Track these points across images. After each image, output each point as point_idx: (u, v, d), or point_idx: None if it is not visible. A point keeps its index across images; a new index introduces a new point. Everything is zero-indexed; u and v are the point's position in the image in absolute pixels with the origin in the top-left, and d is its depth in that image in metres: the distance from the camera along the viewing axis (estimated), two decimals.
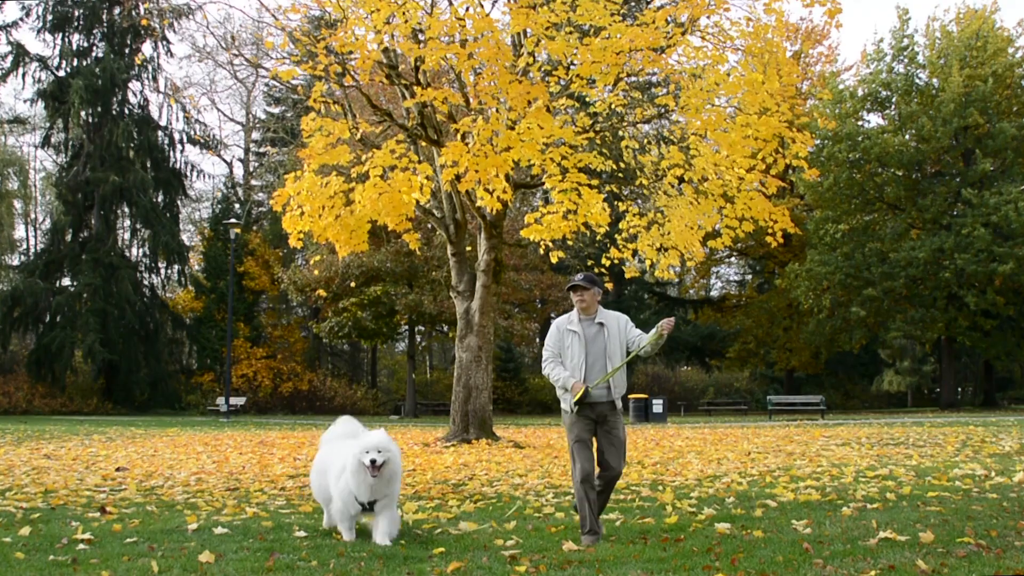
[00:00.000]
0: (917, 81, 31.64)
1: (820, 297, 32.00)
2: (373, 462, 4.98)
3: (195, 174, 40.70)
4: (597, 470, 5.40)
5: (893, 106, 32.22)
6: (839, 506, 6.24)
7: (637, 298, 41.03)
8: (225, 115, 46.78)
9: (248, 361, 38.13)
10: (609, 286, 17.17)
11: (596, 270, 16.67)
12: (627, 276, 17.30)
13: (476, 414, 14.70)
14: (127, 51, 37.08)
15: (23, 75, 36.46)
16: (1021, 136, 29.44)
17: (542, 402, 38.84)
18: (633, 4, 21.88)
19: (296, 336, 41.69)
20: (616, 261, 15.10)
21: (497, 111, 12.12)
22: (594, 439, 5.39)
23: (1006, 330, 31.01)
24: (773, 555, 4.56)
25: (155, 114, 39.23)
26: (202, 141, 39.80)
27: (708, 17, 13.46)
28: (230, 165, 46.21)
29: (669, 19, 12.71)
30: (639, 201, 18.48)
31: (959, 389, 37.71)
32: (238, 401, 33.85)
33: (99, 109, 36.15)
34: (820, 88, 31.39)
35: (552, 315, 40.97)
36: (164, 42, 38.38)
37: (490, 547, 4.93)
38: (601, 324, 5.41)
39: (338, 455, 5.33)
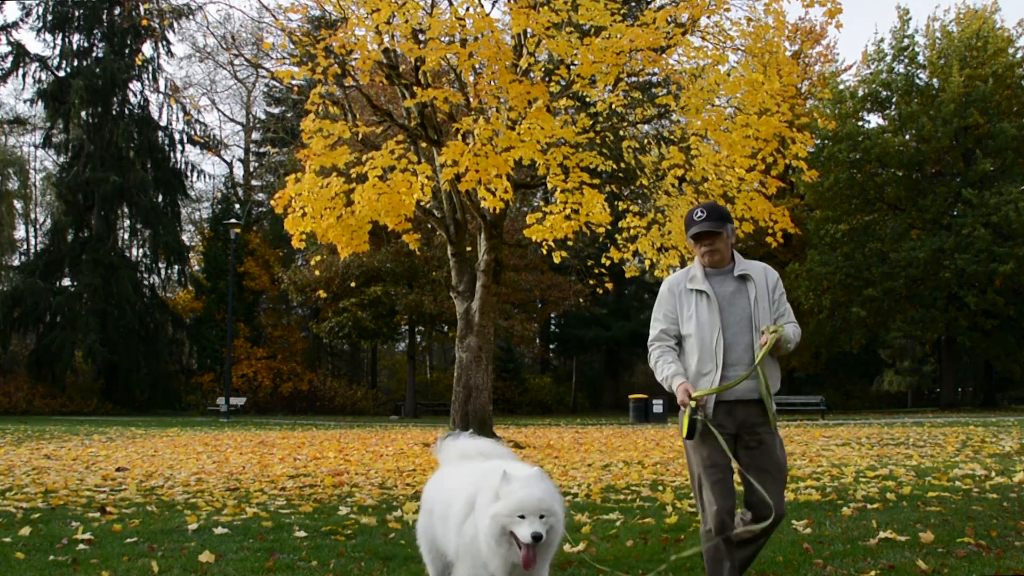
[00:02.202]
0: (917, 81, 31.63)
1: (820, 297, 31.98)
2: (536, 538, 2.92)
3: (195, 174, 40.75)
4: (740, 512, 3.81)
5: (893, 106, 32.22)
6: (839, 506, 6.24)
7: (637, 298, 41.05)
8: (225, 115, 46.77)
9: (248, 361, 38.13)
10: (609, 285, 17.29)
11: (596, 270, 16.71)
12: (627, 276, 17.30)
13: (476, 414, 14.70)
14: (127, 51, 37.08)
15: (23, 75, 36.51)
16: (1021, 136, 29.44)
17: (542, 402, 38.86)
18: (633, 4, 21.88)
19: (296, 336, 41.69)
20: (616, 261, 15.10)
21: (497, 111, 12.12)
22: (734, 462, 3.66)
23: (1006, 330, 31.00)
24: (773, 555, 4.56)
25: (155, 114, 39.28)
26: (202, 141, 39.81)
27: (708, 17, 13.46)
28: (230, 165, 46.24)
29: (669, 19, 12.71)
30: (639, 201, 18.48)
31: (959, 389, 37.71)
32: (238, 401, 33.85)
33: (99, 109, 36.15)
34: (820, 88, 31.40)
35: (552, 315, 41.02)
36: (164, 42, 38.43)
37: None
38: (743, 278, 3.68)
39: (463, 490, 3.27)
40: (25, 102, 38.91)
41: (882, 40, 32.62)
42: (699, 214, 3.69)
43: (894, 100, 31.97)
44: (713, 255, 3.67)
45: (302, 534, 5.33)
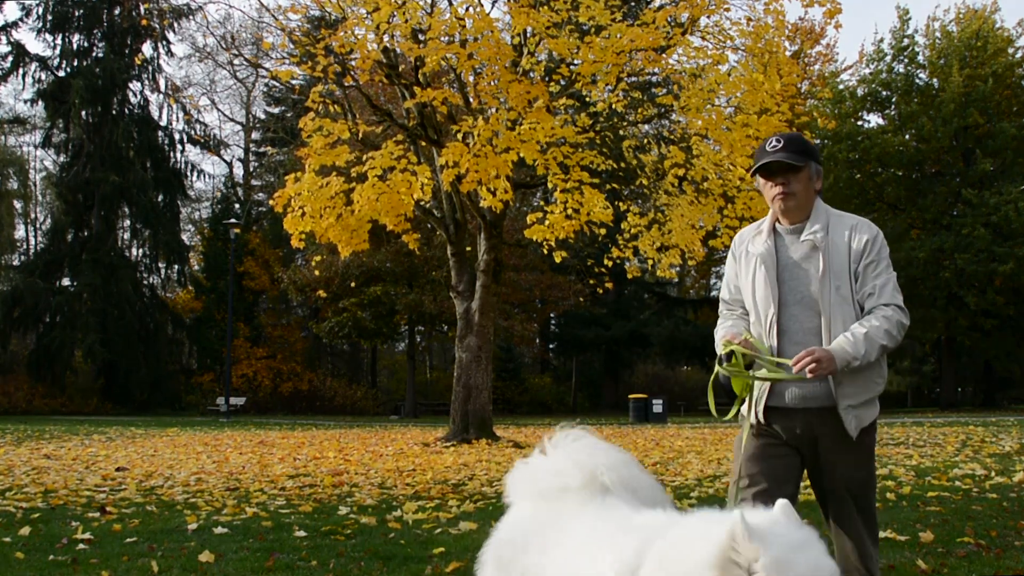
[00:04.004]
0: (917, 81, 31.63)
1: None
2: None
3: (195, 174, 40.73)
4: None
5: (893, 106, 32.22)
6: None
7: (637, 298, 41.04)
8: (225, 115, 46.75)
9: (248, 361, 38.12)
10: (609, 285, 17.28)
11: (596, 270, 16.69)
12: (629, 276, 17.30)
13: (476, 414, 14.70)
14: (127, 51, 37.08)
15: (23, 75, 36.47)
16: (1021, 136, 29.44)
17: (542, 402, 38.85)
18: (633, 4, 21.88)
19: (296, 336, 41.67)
20: (617, 260, 15.10)
21: (497, 111, 12.12)
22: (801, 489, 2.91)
23: (1006, 330, 31.00)
24: None
25: (155, 114, 39.26)
26: (202, 141, 39.80)
27: (708, 17, 13.47)
28: (230, 165, 46.23)
29: (669, 19, 12.72)
30: (639, 201, 18.48)
31: (959, 389, 37.70)
32: (238, 401, 33.85)
33: (99, 109, 36.14)
34: (820, 88, 31.41)
35: (552, 315, 41.01)
36: (164, 42, 38.40)
37: None
38: (814, 243, 2.81)
39: (582, 551, 1.86)
40: (25, 102, 38.95)
41: (882, 40, 32.66)
42: (773, 143, 2.82)
43: (894, 100, 31.97)
44: (787, 201, 2.78)
45: (302, 534, 5.33)
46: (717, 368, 2.82)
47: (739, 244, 3.02)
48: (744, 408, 2.91)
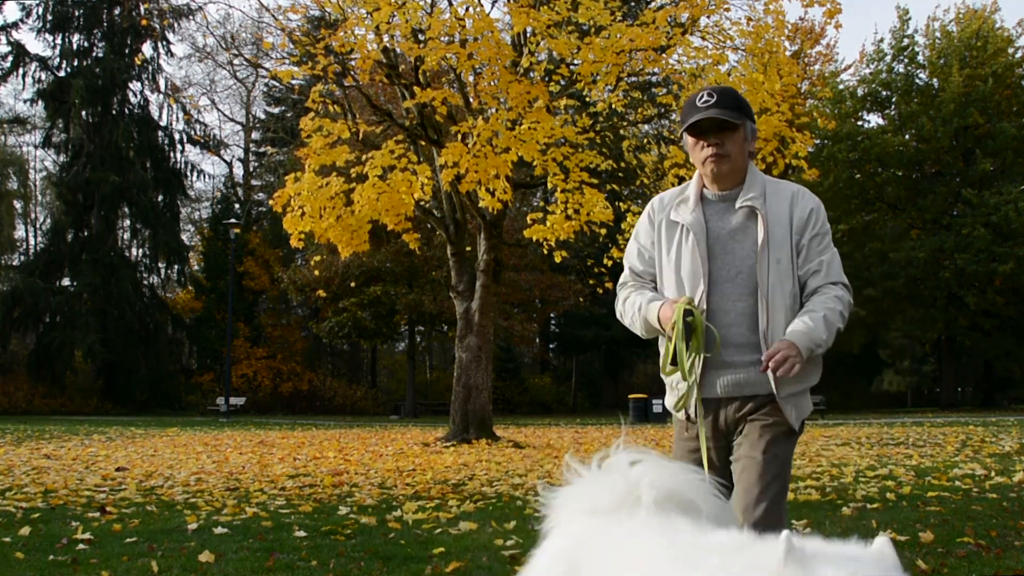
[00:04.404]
0: (917, 81, 31.65)
1: None
2: None
3: (195, 174, 40.75)
4: None
5: (893, 106, 32.23)
6: (839, 506, 6.24)
7: None
8: (225, 115, 46.76)
9: (248, 361, 38.12)
10: (609, 285, 17.25)
11: (597, 270, 16.70)
12: None
13: (476, 414, 14.70)
14: (127, 51, 37.09)
15: (23, 75, 36.50)
16: (1021, 136, 29.45)
17: (542, 402, 38.85)
18: (633, 4, 21.90)
19: (296, 336, 41.68)
20: (618, 260, 15.10)
21: (497, 111, 12.13)
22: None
23: (1006, 330, 31.01)
24: None
25: (155, 114, 39.28)
26: (202, 141, 39.81)
27: (708, 17, 13.48)
28: (230, 165, 46.24)
29: (669, 19, 12.72)
30: (639, 201, 18.47)
31: (959, 389, 37.71)
32: (238, 401, 33.85)
33: (99, 109, 36.15)
34: (820, 88, 31.42)
35: (552, 315, 41.02)
36: (164, 42, 38.42)
37: (490, 547, 4.93)
38: (753, 209, 2.49)
39: None
40: (25, 102, 38.96)
41: (882, 40, 32.67)
42: (705, 98, 2.46)
43: (894, 100, 31.98)
44: (720, 163, 2.44)
45: (302, 534, 5.33)
46: (672, 327, 2.41)
47: (659, 210, 2.59)
48: (689, 401, 2.55)
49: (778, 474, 2.44)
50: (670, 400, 2.65)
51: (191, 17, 36.03)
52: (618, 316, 2.71)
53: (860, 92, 32.10)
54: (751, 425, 2.47)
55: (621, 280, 2.71)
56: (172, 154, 39.07)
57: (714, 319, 2.46)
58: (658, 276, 2.60)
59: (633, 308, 2.58)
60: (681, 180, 14.04)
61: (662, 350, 2.54)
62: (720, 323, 2.45)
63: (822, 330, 2.38)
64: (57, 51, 36.98)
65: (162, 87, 39.23)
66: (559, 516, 1.93)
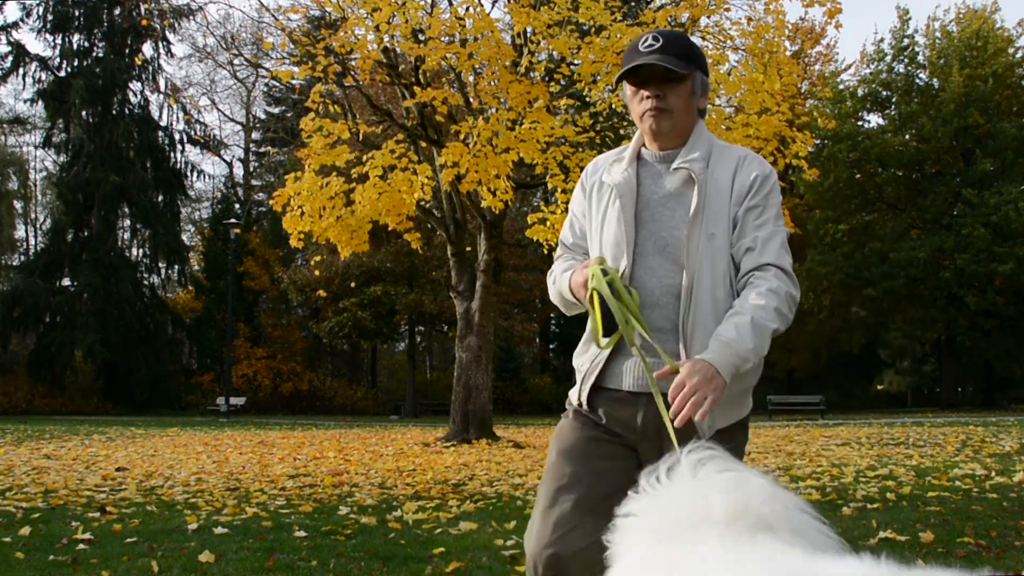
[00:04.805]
0: (917, 81, 31.65)
1: (820, 297, 32.00)
2: None
3: (195, 174, 40.75)
4: None
5: (893, 106, 32.24)
6: (839, 506, 6.24)
7: None
8: (225, 115, 46.77)
9: (248, 361, 38.13)
10: None
11: None
12: None
13: (476, 414, 14.70)
14: (127, 51, 37.11)
15: (23, 75, 36.49)
16: (1021, 136, 29.45)
17: (542, 402, 38.85)
18: (633, 4, 21.90)
19: (296, 336, 41.69)
20: None
21: (497, 111, 12.13)
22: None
23: (1006, 330, 31.02)
24: None
25: (155, 114, 39.28)
26: (202, 141, 39.82)
27: (708, 17, 13.48)
28: (230, 165, 46.25)
29: (669, 19, 12.72)
30: None
31: (959, 389, 37.73)
32: (238, 401, 33.86)
33: (99, 109, 36.16)
34: (820, 88, 31.43)
35: (552, 315, 41.04)
36: (164, 42, 38.42)
37: (490, 547, 4.93)
38: (690, 174, 2.11)
39: None
40: (25, 102, 38.96)
41: (882, 40, 32.66)
42: (649, 42, 2.08)
43: (894, 100, 31.99)
44: (661, 119, 2.07)
45: (302, 534, 5.33)
46: (589, 291, 2.03)
47: (591, 174, 2.26)
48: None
49: None
50: (574, 393, 2.23)
51: (191, 17, 36.07)
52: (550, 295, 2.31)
53: (860, 92, 32.10)
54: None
55: (557, 254, 2.37)
56: (172, 154, 39.09)
57: (640, 295, 2.07)
58: (590, 248, 2.24)
59: (551, 283, 2.26)
60: None
61: (589, 326, 2.10)
62: (643, 302, 2.05)
63: (749, 339, 1.92)
64: (57, 51, 37.01)
65: (162, 87, 39.27)
66: (623, 542, 1.52)
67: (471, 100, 13.09)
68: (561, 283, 2.19)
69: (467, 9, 12.99)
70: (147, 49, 38.39)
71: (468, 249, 15.92)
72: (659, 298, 2.07)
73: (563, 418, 2.26)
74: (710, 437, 1.96)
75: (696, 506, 1.41)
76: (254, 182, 45.34)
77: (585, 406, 2.17)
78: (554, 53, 13.40)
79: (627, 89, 2.16)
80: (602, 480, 2.07)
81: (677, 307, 2.05)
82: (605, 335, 2.03)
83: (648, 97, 2.09)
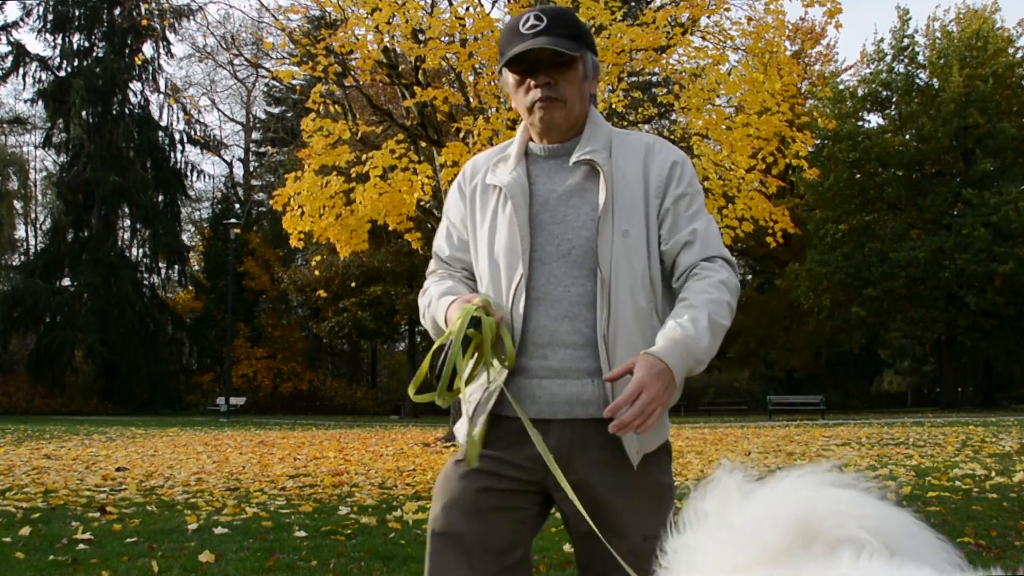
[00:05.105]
0: (917, 81, 31.66)
1: (820, 297, 31.99)
2: None
3: (195, 174, 40.79)
4: None
5: (893, 106, 32.24)
6: None
7: None
8: (225, 115, 46.78)
9: (248, 361, 38.14)
10: None
11: None
12: None
13: None
14: (127, 51, 37.12)
15: (23, 75, 36.55)
16: (1021, 136, 29.46)
17: None
18: (634, 4, 21.91)
19: (296, 336, 41.70)
20: None
21: (497, 111, 12.13)
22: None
23: (1006, 330, 31.01)
24: None
25: (155, 114, 39.32)
26: (202, 141, 39.84)
27: (708, 17, 13.48)
28: (230, 165, 46.25)
29: (670, 19, 12.72)
30: None
31: (959, 389, 37.72)
32: (238, 401, 33.86)
33: (99, 109, 36.17)
34: (820, 88, 31.45)
35: None
36: (164, 42, 38.45)
37: None
38: (592, 165, 1.84)
39: None
40: (25, 102, 39.00)
41: (882, 40, 32.66)
42: (532, 21, 1.81)
43: (894, 100, 31.99)
44: (553, 109, 1.82)
45: (302, 534, 5.33)
46: (447, 336, 1.74)
47: (470, 176, 1.97)
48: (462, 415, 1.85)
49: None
50: (462, 426, 1.87)
51: (191, 17, 36.09)
52: (421, 316, 1.98)
53: (860, 92, 32.10)
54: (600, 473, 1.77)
55: (429, 269, 2.04)
56: (172, 154, 39.12)
57: (539, 308, 1.79)
58: (474, 260, 1.93)
59: (424, 304, 1.93)
60: None
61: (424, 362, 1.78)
62: (550, 314, 1.78)
63: (705, 337, 1.68)
64: (57, 51, 37.03)
65: (162, 87, 39.29)
66: (701, 565, 1.19)
67: (471, 100, 13.09)
68: (436, 310, 1.87)
69: (467, 9, 13.00)
70: (147, 49, 38.44)
71: None
72: (567, 309, 1.79)
73: (451, 461, 1.89)
74: (639, 461, 1.76)
75: (755, 534, 1.15)
76: (254, 182, 45.36)
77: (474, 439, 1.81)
78: None
79: (509, 78, 1.86)
80: (496, 536, 1.78)
81: (591, 318, 1.77)
82: (435, 380, 1.73)
83: (537, 86, 1.82)
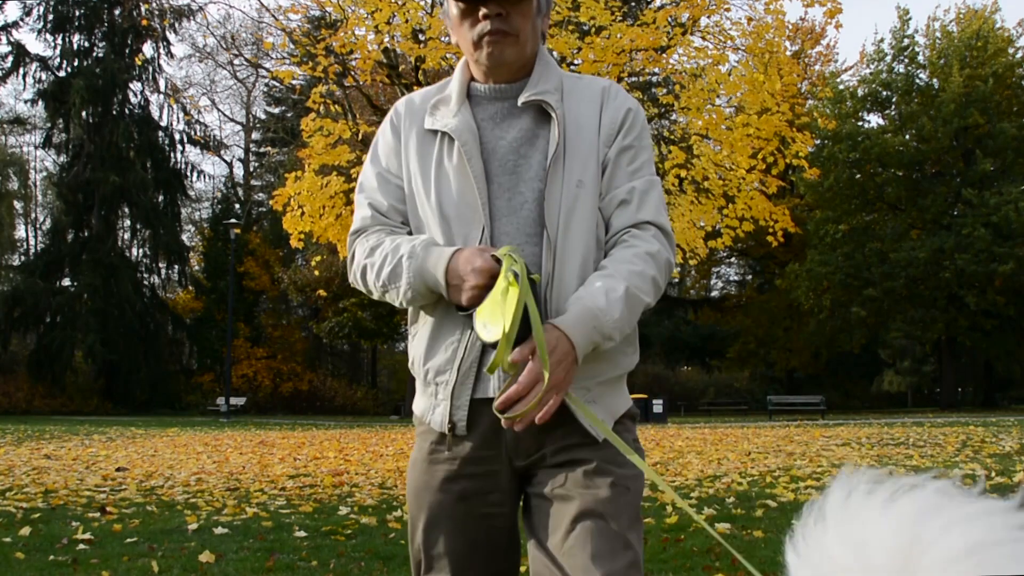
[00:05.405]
0: (917, 81, 31.67)
1: (820, 297, 32.01)
2: None
3: (195, 174, 40.81)
4: None
5: (893, 106, 32.26)
6: None
7: None
8: (225, 115, 46.80)
9: (248, 361, 38.15)
10: None
11: None
12: None
13: None
14: (127, 51, 37.15)
15: (24, 75, 36.58)
16: (1021, 136, 29.47)
17: None
18: (634, 4, 21.91)
19: (296, 336, 41.71)
20: None
21: None
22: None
23: (1006, 330, 31.03)
24: (773, 555, 4.56)
25: (155, 114, 39.35)
26: (202, 141, 39.86)
27: (708, 17, 13.47)
28: (230, 165, 46.27)
29: (670, 19, 12.71)
30: None
31: (959, 389, 37.74)
32: (238, 401, 33.86)
33: (99, 109, 36.19)
34: (820, 88, 31.45)
35: None
36: (164, 42, 38.46)
37: None
38: (542, 107, 1.64)
39: None
40: (25, 102, 39.03)
41: (882, 40, 32.68)
42: None
43: (894, 100, 32.01)
44: (502, 45, 1.62)
45: (302, 534, 5.33)
46: (497, 282, 1.44)
47: (405, 115, 1.71)
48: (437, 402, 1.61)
49: (631, 528, 1.52)
50: (420, 400, 1.66)
51: (191, 17, 36.09)
52: (353, 279, 1.69)
53: (860, 92, 32.12)
54: (565, 456, 1.56)
55: (355, 227, 1.71)
56: (172, 154, 39.14)
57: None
58: (412, 220, 1.66)
59: (393, 257, 1.58)
60: (682, 181, 13.98)
61: (483, 328, 1.43)
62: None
63: (618, 310, 1.49)
64: (57, 51, 37.05)
65: (162, 87, 39.31)
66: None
67: None
68: (428, 261, 1.53)
69: None
70: (147, 49, 38.46)
71: None
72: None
73: (416, 456, 1.65)
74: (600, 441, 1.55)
75: (853, 558, 0.94)
76: (254, 182, 45.37)
77: (456, 430, 1.57)
78: (554, 53, 13.40)
79: (452, 8, 1.64)
80: (484, 548, 1.60)
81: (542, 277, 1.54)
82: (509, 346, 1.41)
83: (486, 17, 1.60)
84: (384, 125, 1.74)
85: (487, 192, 1.58)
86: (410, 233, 1.67)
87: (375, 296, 1.65)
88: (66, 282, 36.87)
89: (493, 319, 1.41)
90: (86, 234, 36.62)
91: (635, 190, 1.62)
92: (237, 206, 40.70)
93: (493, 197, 1.60)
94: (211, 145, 41.12)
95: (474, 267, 1.47)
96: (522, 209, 1.58)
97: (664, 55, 13.13)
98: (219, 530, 5.42)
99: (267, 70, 16.58)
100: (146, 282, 38.74)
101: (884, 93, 31.94)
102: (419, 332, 1.65)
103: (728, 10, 13.16)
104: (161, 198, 38.40)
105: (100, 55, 36.80)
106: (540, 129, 1.63)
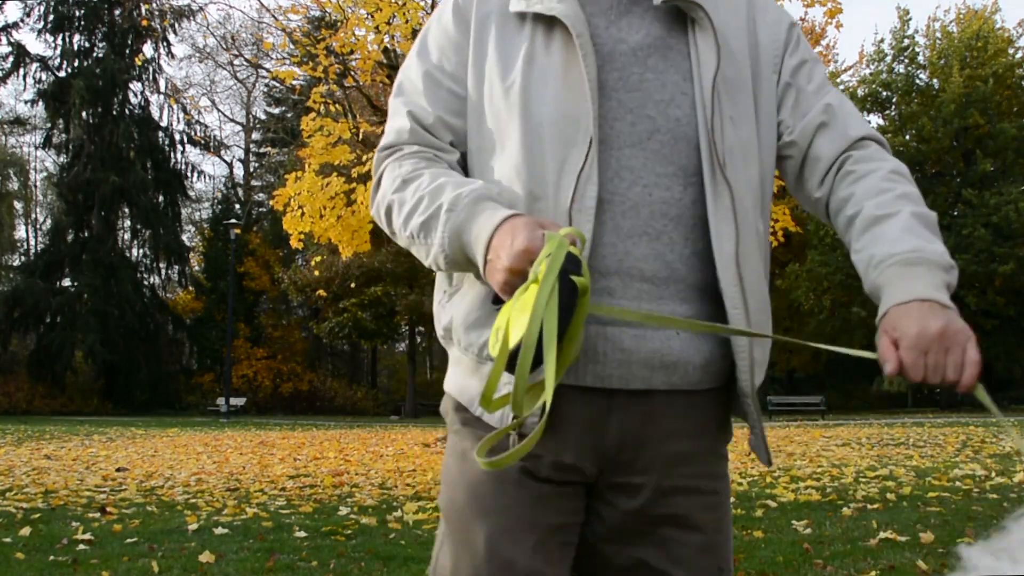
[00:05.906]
0: (917, 81, 31.67)
1: (820, 297, 32.01)
2: None
3: (195, 174, 40.84)
4: None
5: (893, 106, 32.25)
6: (839, 506, 6.24)
7: None
8: (225, 116, 46.80)
9: (248, 361, 38.15)
10: None
11: None
12: None
13: None
14: (127, 52, 37.16)
15: (24, 76, 36.60)
16: (1021, 136, 29.47)
17: None
18: None
19: (296, 336, 41.71)
20: None
21: None
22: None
23: (1006, 330, 31.02)
24: (773, 555, 4.56)
25: (155, 115, 39.37)
26: (202, 142, 39.88)
27: None
28: (230, 165, 46.28)
29: None
30: None
31: None
32: (238, 401, 33.86)
33: (100, 109, 36.20)
34: None
35: None
36: (164, 43, 38.48)
37: None
38: (686, 12, 1.17)
39: None
40: (25, 102, 39.05)
41: (882, 40, 32.68)
42: None
43: (894, 100, 32.00)
44: None
45: (302, 534, 5.33)
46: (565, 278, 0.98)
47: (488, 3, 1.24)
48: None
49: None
50: (470, 382, 1.22)
51: (191, 18, 36.09)
52: (376, 213, 1.26)
53: (860, 92, 32.11)
54: (686, 472, 1.20)
55: (385, 141, 1.27)
56: (172, 155, 39.16)
57: (607, 217, 1.15)
58: (474, 138, 1.23)
59: (430, 202, 1.14)
60: None
61: (492, 335, 1.06)
62: (620, 227, 1.15)
63: (942, 247, 1.19)
64: (58, 51, 37.06)
65: (162, 88, 39.32)
66: None
67: None
68: (470, 219, 1.10)
69: None
70: (147, 49, 38.47)
71: None
72: (647, 223, 1.15)
73: (461, 446, 1.23)
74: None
75: None
76: (254, 182, 45.38)
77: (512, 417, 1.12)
78: None
79: None
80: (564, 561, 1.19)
81: (677, 240, 1.16)
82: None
83: None
84: (444, 6, 1.28)
85: (597, 113, 1.15)
86: (464, 159, 1.24)
87: (400, 243, 1.23)
88: (66, 282, 36.88)
89: (511, 326, 1.00)
90: (86, 234, 36.63)
91: (831, 107, 1.26)
92: (237, 206, 40.71)
93: (610, 117, 1.17)
94: (211, 145, 41.16)
95: (513, 243, 1.02)
96: (651, 139, 1.17)
97: None
98: (219, 530, 5.42)
99: (267, 70, 16.59)
100: (146, 282, 38.75)
101: (884, 93, 31.93)
102: (462, 288, 1.21)
103: None
104: (161, 198, 38.40)
105: (100, 55, 36.81)
106: (674, 39, 1.20)
